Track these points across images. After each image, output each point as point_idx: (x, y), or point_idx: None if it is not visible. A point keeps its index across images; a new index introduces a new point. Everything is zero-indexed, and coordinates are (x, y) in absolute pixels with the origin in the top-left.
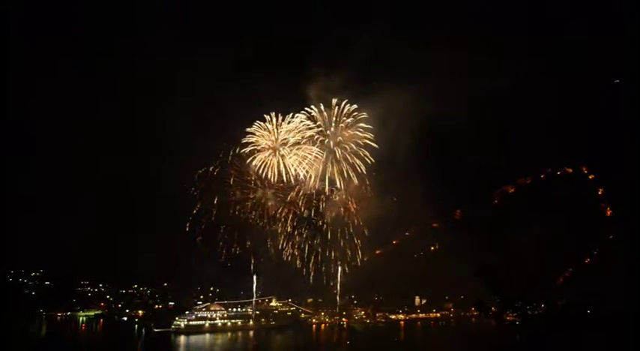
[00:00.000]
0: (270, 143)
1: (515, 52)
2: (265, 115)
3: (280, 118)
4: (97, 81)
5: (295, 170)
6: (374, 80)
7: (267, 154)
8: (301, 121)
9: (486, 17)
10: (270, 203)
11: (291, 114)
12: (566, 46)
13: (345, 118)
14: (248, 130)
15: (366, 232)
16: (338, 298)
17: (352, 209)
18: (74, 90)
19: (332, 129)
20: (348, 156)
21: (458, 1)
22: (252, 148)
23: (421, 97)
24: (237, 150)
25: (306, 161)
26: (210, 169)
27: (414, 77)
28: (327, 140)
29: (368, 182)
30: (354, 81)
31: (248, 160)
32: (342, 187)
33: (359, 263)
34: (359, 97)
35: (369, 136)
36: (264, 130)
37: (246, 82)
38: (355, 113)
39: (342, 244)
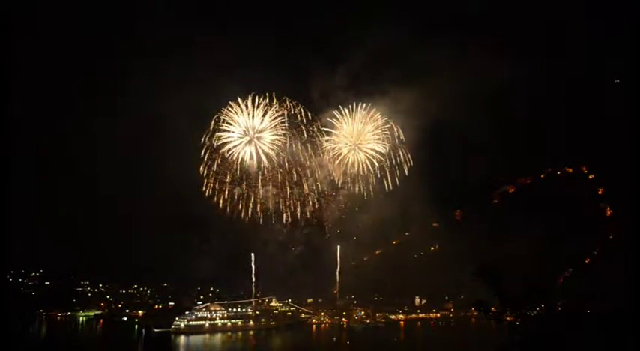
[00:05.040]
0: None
1: (516, 53)
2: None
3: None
4: (96, 80)
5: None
6: (375, 79)
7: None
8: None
9: (486, 18)
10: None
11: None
12: (566, 47)
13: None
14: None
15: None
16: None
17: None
18: (72, 87)
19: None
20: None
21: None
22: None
23: (422, 97)
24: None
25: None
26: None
27: (415, 77)
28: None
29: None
30: (356, 80)
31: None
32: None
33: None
34: (360, 97)
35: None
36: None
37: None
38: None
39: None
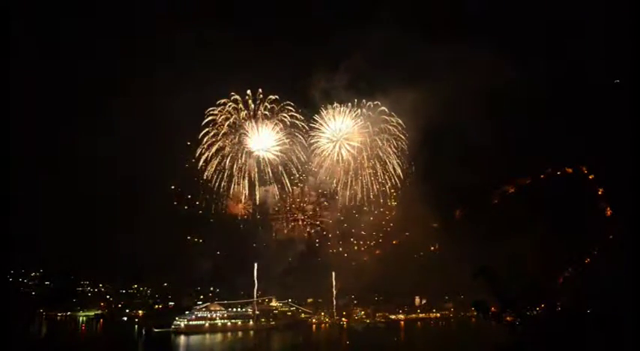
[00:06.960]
0: None
1: (516, 51)
2: None
3: None
4: (96, 80)
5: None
6: (375, 79)
7: None
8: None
9: (486, 16)
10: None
11: None
12: (566, 46)
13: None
14: None
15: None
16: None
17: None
18: (70, 87)
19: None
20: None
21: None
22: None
23: (422, 97)
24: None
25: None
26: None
27: (416, 76)
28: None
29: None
30: (356, 80)
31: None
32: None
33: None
34: (362, 96)
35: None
36: None
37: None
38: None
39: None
